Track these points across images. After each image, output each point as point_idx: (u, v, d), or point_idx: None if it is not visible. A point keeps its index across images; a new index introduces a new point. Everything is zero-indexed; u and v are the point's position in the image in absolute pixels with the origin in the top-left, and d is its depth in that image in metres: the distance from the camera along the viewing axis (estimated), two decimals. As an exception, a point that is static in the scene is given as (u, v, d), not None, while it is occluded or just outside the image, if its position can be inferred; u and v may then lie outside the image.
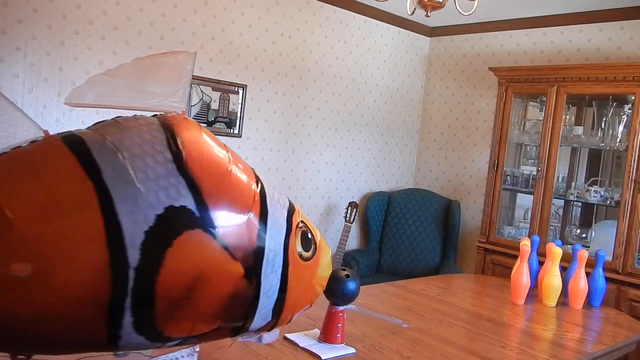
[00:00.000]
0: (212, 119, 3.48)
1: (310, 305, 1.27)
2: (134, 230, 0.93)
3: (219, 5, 3.44)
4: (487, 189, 3.85)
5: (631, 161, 3.14)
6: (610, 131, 3.38)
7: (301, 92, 3.96)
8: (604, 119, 3.42)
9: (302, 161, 4.06)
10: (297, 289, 1.18)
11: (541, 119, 3.63)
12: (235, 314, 1.09)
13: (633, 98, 3.17)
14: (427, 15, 2.40)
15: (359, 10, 4.20)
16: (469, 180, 4.46)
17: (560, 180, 3.63)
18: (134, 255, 0.92)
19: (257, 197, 1.10)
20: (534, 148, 3.76)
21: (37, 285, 0.89)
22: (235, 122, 3.60)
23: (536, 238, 2.70)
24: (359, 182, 4.46)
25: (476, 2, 2.49)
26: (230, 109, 3.57)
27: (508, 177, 3.81)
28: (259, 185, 1.13)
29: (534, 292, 2.55)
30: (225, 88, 3.53)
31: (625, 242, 3.15)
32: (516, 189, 3.82)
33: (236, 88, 3.58)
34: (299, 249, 1.17)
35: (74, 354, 1.07)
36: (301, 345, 1.66)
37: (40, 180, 0.93)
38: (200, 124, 3.72)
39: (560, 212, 3.76)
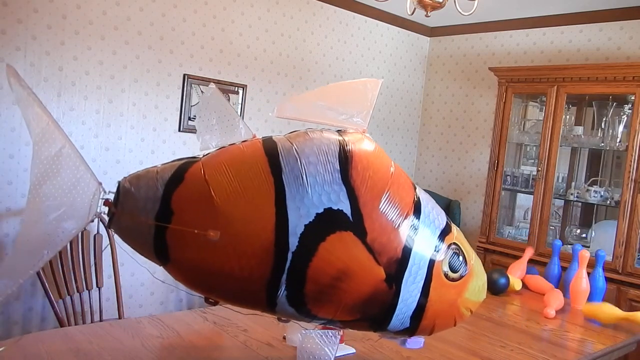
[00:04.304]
0: (212, 119, 3.48)
1: (455, 325, 1.35)
2: (297, 222, 1.14)
3: (219, 5, 3.44)
4: (487, 189, 3.85)
5: (631, 161, 3.14)
6: (610, 131, 3.38)
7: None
8: (604, 119, 3.42)
9: (302, 161, 4.05)
10: (439, 305, 1.28)
11: (541, 119, 3.63)
12: (373, 312, 1.23)
13: (633, 98, 3.17)
14: (427, 15, 2.40)
15: (359, 10, 4.20)
16: (469, 180, 4.46)
17: (560, 180, 3.63)
18: (293, 242, 1.14)
19: (411, 214, 1.23)
20: (534, 148, 3.76)
21: (222, 250, 1.15)
22: (235, 122, 3.61)
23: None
24: (359, 182, 4.46)
25: (476, 2, 2.49)
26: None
27: (508, 177, 3.81)
28: (415, 202, 1.26)
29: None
30: (225, 88, 3.53)
31: (625, 242, 3.15)
32: (516, 189, 3.82)
33: (236, 88, 3.58)
34: (446, 268, 1.27)
35: (247, 308, 1.29)
36: (301, 345, 1.66)
37: (239, 172, 1.17)
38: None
39: (560, 212, 3.76)
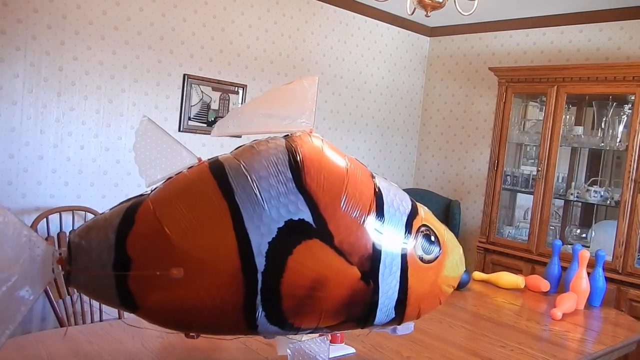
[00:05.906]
0: (212, 119, 3.48)
1: (441, 303, 1.35)
2: (260, 241, 1.10)
3: (219, 5, 3.44)
4: (487, 189, 3.85)
5: (631, 161, 3.14)
6: (610, 131, 3.38)
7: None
8: (604, 119, 3.42)
9: (302, 161, 4.05)
10: (420, 289, 1.27)
11: (541, 119, 3.63)
12: (356, 311, 1.21)
13: (633, 98, 3.17)
14: (427, 15, 2.39)
15: (359, 10, 4.20)
16: (469, 180, 4.46)
17: (560, 180, 3.63)
18: (260, 262, 1.10)
19: (374, 206, 1.20)
20: (534, 148, 3.76)
21: (189, 285, 1.10)
22: (235, 122, 3.60)
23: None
24: (359, 182, 4.45)
25: (476, 2, 2.49)
26: (230, 109, 3.57)
27: (508, 177, 3.81)
28: (376, 193, 1.22)
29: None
30: (225, 88, 3.53)
31: (625, 242, 3.15)
32: (516, 189, 3.81)
33: (236, 88, 3.58)
34: (419, 252, 1.25)
35: (229, 335, 1.26)
36: (301, 345, 1.66)
37: (190, 202, 1.13)
38: (201, 124, 3.70)
39: (560, 212, 3.76)
